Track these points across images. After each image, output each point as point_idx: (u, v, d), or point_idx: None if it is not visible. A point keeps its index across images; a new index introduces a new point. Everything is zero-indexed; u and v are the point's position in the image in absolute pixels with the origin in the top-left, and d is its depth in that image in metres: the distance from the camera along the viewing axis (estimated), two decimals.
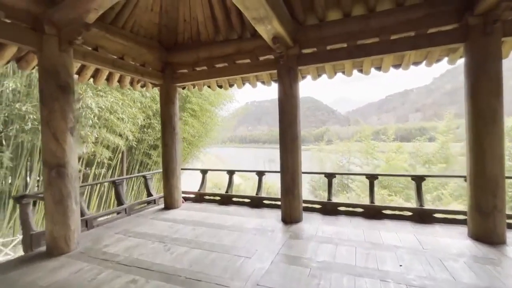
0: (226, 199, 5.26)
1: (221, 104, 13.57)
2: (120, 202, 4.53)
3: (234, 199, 5.23)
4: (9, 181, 6.13)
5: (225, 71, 4.53)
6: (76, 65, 3.84)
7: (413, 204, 4.69)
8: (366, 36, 3.59)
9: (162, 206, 5.14)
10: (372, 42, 3.65)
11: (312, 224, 3.88)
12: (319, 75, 4.68)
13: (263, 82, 4.99)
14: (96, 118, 7.10)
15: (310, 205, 4.58)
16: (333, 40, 3.71)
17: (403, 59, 4.12)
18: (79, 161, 7.33)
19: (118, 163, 9.16)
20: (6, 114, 6.02)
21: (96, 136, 7.06)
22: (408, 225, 3.78)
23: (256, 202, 4.99)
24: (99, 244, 3.33)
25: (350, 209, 4.34)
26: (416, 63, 4.22)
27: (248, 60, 4.30)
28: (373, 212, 4.16)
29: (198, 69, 4.68)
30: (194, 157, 15.03)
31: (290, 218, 3.98)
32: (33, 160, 6.42)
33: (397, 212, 4.10)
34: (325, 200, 4.57)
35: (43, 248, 3.18)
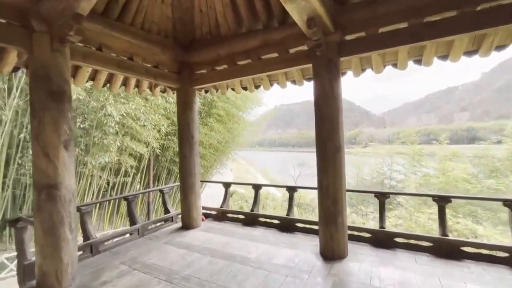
0: (251, 219, 4.51)
1: (249, 109, 13.00)
2: (133, 221, 4.03)
3: (261, 219, 4.46)
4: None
5: (249, 69, 3.81)
6: (88, 70, 3.43)
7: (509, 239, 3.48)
8: (438, 10, 2.62)
9: (180, 224, 4.55)
10: (445, 18, 2.66)
11: (362, 263, 2.94)
12: (363, 70, 3.74)
13: (293, 82, 4.19)
14: (117, 126, 6.89)
15: (356, 233, 3.63)
16: (389, 19, 2.79)
17: (483, 41, 3.03)
18: (105, 170, 7.19)
19: (145, 171, 8.96)
20: None
21: (119, 144, 6.82)
22: (504, 271, 2.68)
23: (287, 225, 4.17)
24: (97, 279, 2.78)
25: (412, 241, 3.31)
26: (501, 47, 3.10)
27: (275, 54, 3.54)
28: (446, 249, 3.09)
29: (218, 68, 4.03)
30: (222, 163, 14.67)
31: (331, 253, 3.09)
32: None
33: (484, 251, 2.98)
34: (376, 227, 3.58)
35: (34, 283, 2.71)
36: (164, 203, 4.69)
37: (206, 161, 11.11)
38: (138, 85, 4.24)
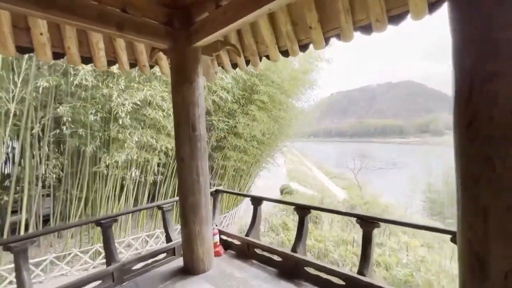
0: (293, 264, 2.67)
1: (299, 93, 10.91)
2: (108, 258, 2.64)
3: (309, 268, 2.57)
4: None
5: None
6: None
7: None
8: None
9: (182, 263, 3.00)
10: None
11: None
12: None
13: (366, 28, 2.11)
14: (136, 116, 5.79)
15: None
16: None
17: None
18: (131, 167, 6.28)
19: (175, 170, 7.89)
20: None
21: (137, 139, 5.72)
22: None
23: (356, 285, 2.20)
24: None
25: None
26: None
27: None
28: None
29: (226, 2, 2.25)
30: (270, 157, 13.02)
31: None
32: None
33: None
34: None
35: None
36: (165, 226, 3.20)
37: (248, 156, 9.58)
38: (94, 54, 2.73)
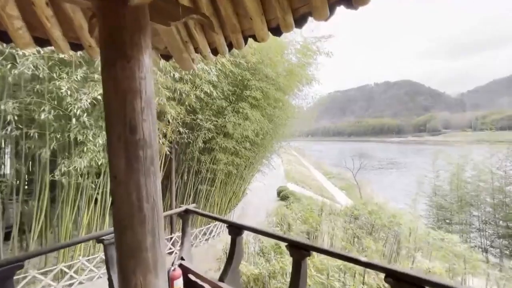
0: None
1: (296, 90, 10.02)
2: None
3: None
4: None
5: None
6: None
7: None
8: None
9: None
10: None
11: None
12: None
13: None
14: (95, 114, 4.88)
15: None
16: None
17: None
18: (103, 174, 5.35)
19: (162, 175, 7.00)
20: None
21: (101, 142, 4.79)
22: None
23: None
24: None
25: None
26: None
27: None
28: None
29: None
30: (266, 159, 12.13)
31: None
32: None
33: None
34: None
35: None
36: (108, 267, 2.29)
37: (240, 159, 8.69)
38: None
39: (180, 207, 2.93)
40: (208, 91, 6.13)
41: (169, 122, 6.17)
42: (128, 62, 1.77)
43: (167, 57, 2.90)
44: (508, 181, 9.21)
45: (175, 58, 2.75)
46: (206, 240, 8.68)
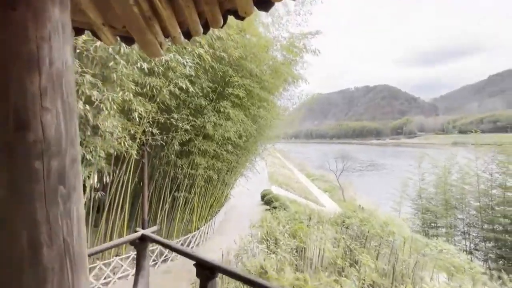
0: None
1: (282, 89, 9.49)
2: None
3: None
4: None
5: None
6: None
7: None
8: None
9: None
10: None
11: None
12: None
13: None
14: None
15: None
16: None
17: None
18: None
19: (130, 182, 6.10)
20: None
21: None
22: None
23: None
24: None
25: None
26: None
27: None
28: None
29: None
30: (250, 163, 11.48)
31: None
32: None
33: None
34: None
35: None
36: None
37: (222, 163, 7.97)
38: None
39: (136, 231, 2.18)
40: (184, 86, 5.38)
41: (139, 121, 5.37)
42: (14, 10, 1.04)
43: (128, 39, 2.14)
44: (494, 184, 9.22)
45: (138, 41, 2.03)
46: None
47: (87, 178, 4.44)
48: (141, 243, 2.10)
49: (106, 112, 4.13)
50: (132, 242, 2.09)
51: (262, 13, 7.82)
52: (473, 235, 10.03)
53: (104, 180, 7.20)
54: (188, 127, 6.34)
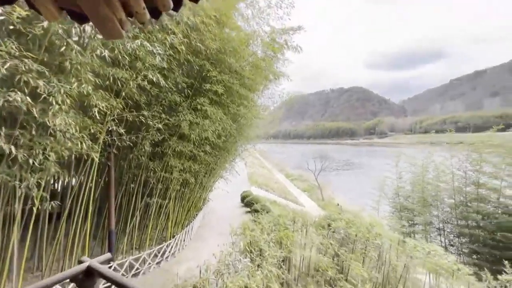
0: None
1: (263, 86, 9.08)
2: None
3: None
4: None
5: None
6: None
7: None
8: None
9: None
10: None
11: None
12: None
13: None
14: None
15: None
16: None
17: None
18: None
19: (94, 188, 5.30)
20: None
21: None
22: None
23: None
24: None
25: None
26: None
27: None
28: None
29: None
30: (229, 164, 10.93)
31: None
32: None
33: None
34: None
35: None
36: None
37: (199, 165, 7.39)
38: None
39: (80, 261, 1.62)
40: (155, 80, 4.75)
41: (103, 119, 4.65)
42: None
43: (78, 16, 1.54)
44: (468, 181, 9.57)
45: (91, 18, 1.44)
46: (157, 263, 7.16)
47: (33, 186, 3.68)
48: (87, 280, 1.55)
49: (57, 107, 3.43)
50: (73, 279, 1.53)
51: (242, 5, 7.37)
52: (448, 231, 10.39)
53: (60, 186, 6.33)
54: (160, 126, 5.69)
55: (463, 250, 9.55)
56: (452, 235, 10.25)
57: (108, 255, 1.70)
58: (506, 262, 4.79)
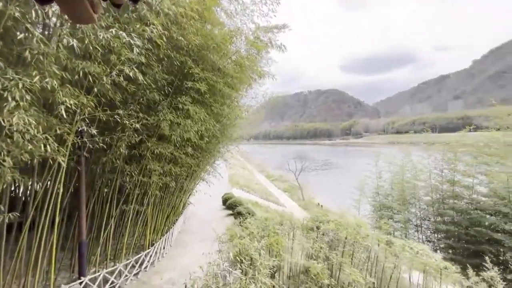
0: None
1: (248, 85, 8.82)
2: None
3: None
4: None
5: None
6: None
7: None
8: None
9: None
10: None
11: None
12: None
13: None
14: None
15: None
16: None
17: None
18: None
19: (61, 195, 4.71)
20: None
21: None
22: None
23: None
24: None
25: None
26: None
27: None
28: None
29: None
30: (210, 166, 10.52)
31: None
32: None
33: None
34: None
35: None
36: None
37: (180, 168, 6.96)
38: None
39: None
40: (132, 75, 4.31)
41: (71, 118, 4.12)
42: None
43: None
44: (444, 180, 10.04)
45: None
46: (135, 275, 6.63)
47: None
48: None
49: (14, 103, 2.92)
50: None
51: (225, 0, 7.07)
52: (425, 228, 10.84)
53: (21, 193, 5.61)
54: (138, 126, 5.22)
55: (440, 245, 10.00)
56: (429, 231, 10.73)
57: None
58: (486, 258, 4.92)
